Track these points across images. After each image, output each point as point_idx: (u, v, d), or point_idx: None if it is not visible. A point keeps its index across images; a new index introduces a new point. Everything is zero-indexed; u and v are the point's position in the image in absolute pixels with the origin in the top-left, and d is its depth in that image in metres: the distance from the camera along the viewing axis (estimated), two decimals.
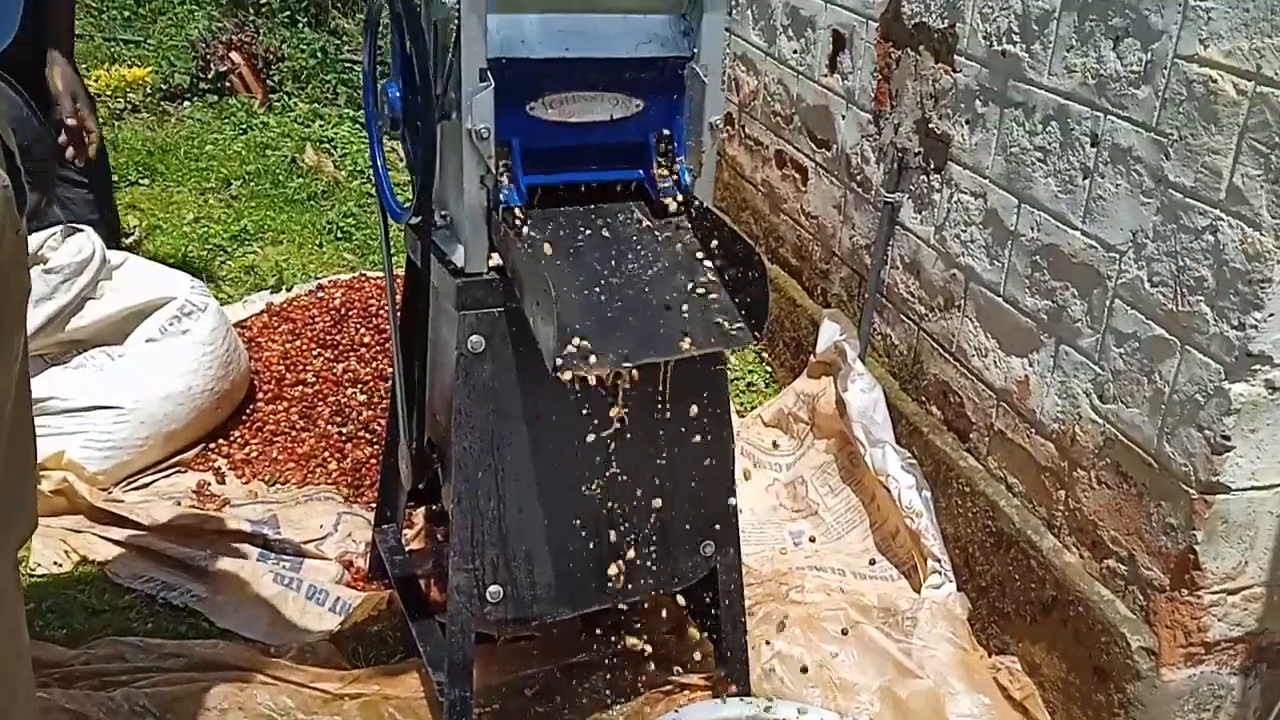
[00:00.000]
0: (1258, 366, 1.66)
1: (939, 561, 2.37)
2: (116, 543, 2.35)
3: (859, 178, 2.92)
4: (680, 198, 1.87)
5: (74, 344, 2.59)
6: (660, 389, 1.87)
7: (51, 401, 2.48)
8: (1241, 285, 1.63)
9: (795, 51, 3.27)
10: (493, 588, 1.85)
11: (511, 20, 1.70)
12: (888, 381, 2.77)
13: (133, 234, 3.79)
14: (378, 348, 3.11)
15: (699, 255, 1.83)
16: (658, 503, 1.91)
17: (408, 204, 1.84)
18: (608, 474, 1.87)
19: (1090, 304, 1.98)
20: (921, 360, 2.64)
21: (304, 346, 3.11)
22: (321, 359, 3.08)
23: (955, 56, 2.38)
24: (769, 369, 3.55)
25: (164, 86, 5.32)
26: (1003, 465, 2.31)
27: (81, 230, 2.60)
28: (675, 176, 1.88)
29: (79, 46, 5.70)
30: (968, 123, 2.36)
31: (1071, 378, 2.05)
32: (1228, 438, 1.71)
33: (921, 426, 2.59)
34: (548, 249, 1.76)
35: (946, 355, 2.51)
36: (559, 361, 1.57)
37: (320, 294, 3.37)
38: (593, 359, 1.61)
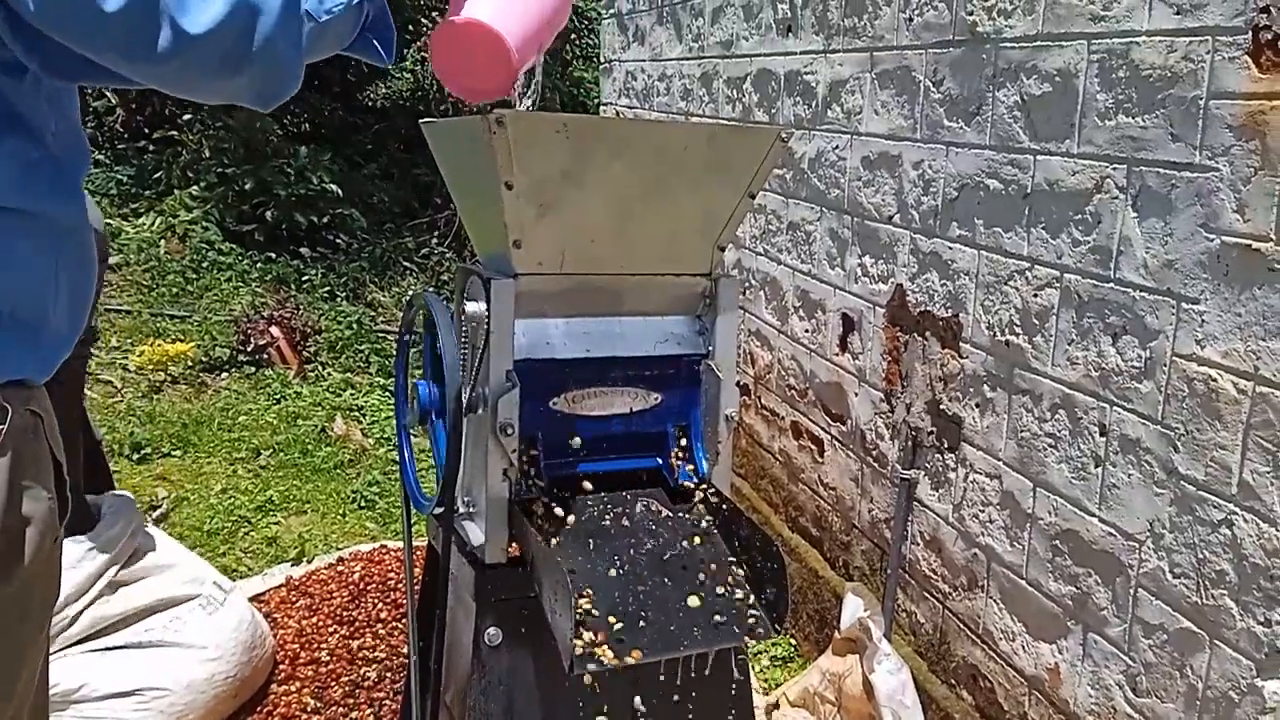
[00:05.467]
0: None
1: None
2: None
3: (874, 453, 2.97)
4: (698, 486, 1.91)
5: (97, 631, 2.58)
6: (680, 679, 1.84)
7: (73, 689, 2.44)
8: (1264, 581, 1.62)
9: (807, 331, 3.41)
10: None
11: (537, 324, 1.80)
12: (915, 661, 2.70)
13: (160, 506, 3.85)
14: (394, 624, 3.08)
15: (718, 545, 1.85)
16: None
17: (432, 492, 1.88)
18: None
19: (1115, 592, 1.96)
20: (948, 641, 2.58)
21: (320, 623, 3.08)
22: (337, 635, 3.04)
23: (961, 344, 2.48)
24: (793, 641, 3.46)
25: (204, 359, 5.55)
26: None
27: (121, 498, 2.66)
28: (693, 465, 1.93)
29: (126, 323, 6.03)
30: (977, 406, 2.42)
31: (1102, 668, 2.00)
32: None
33: (953, 712, 2.50)
34: (567, 539, 1.78)
35: (974, 637, 2.46)
36: (576, 658, 1.56)
37: (340, 567, 3.37)
38: (611, 654, 1.60)
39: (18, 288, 1.18)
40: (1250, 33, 1.66)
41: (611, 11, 5.40)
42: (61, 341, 1.29)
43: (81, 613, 2.48)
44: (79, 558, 2.53)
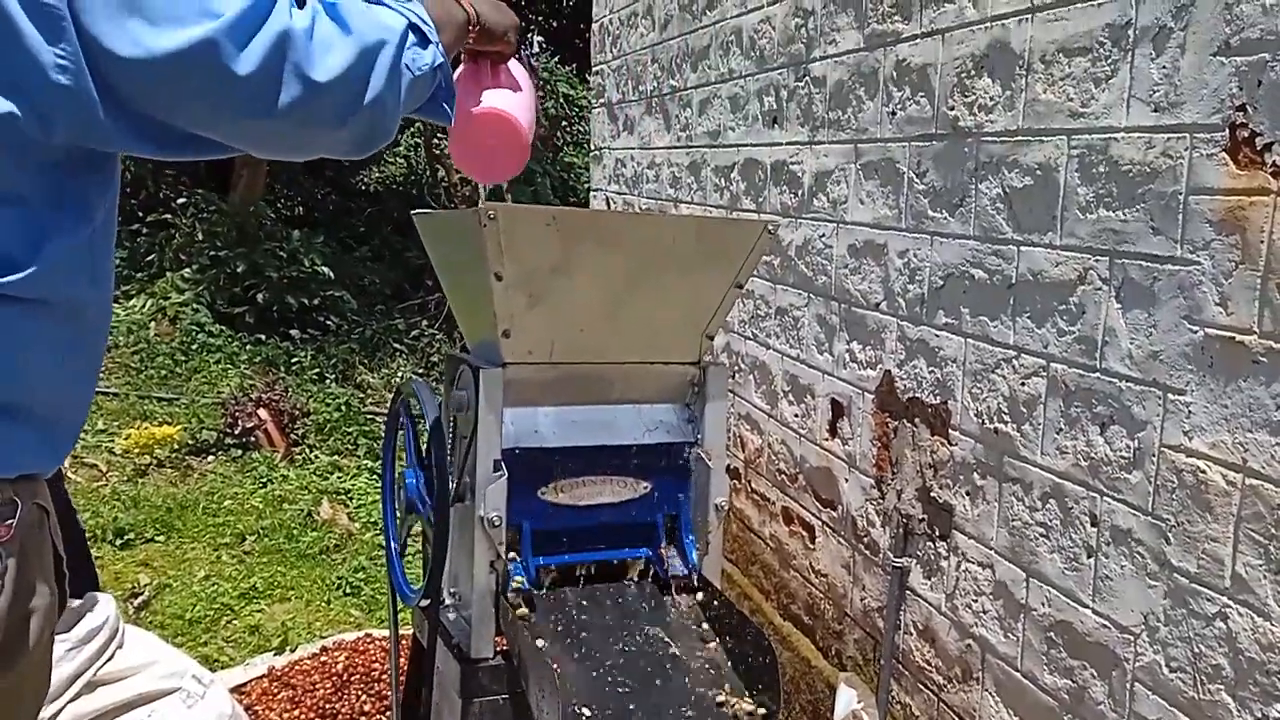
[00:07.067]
0: None
1: None
2: None
3: (866, 540, 2.94)
4: (689, 577, 1.89)
5: None
6: None
7: None
8: (1259, 675, 1.60)
9: (796, 415, 3.41)
10: None
11: (526, 413, 1.80)
12: None
13: (142, 593, 3.79)
14: (378, 717, 3.00)
15: (708, 637, 1.82)
16: None
17: (418, 582, 1.86)
18: None
19: (1111, 686, 1.93)
20: None
21: (303, 716, 3.00)
22: None
23: (950, 430, 2.48)
24: None
25: (191, 442, 5.51)
26: None
27: (100, 597, 2.62)
28: (683, 556, 1.91)
29: (113, 405, 6.00)
30: (968, 494, 2.41)
31: None
32: None
33: None
34: (554, 633, 1.76)
35: None
36: None
37: (324, 657, 3.31)
38: None
39: (37, 382, 1.17)
40: (1227, 130, 1.69)
41: (602, 101, 5.51)
42: (73, 433, 1.28)
43: (60, 711, 2.42)
44: (58, 657, 2.48)
